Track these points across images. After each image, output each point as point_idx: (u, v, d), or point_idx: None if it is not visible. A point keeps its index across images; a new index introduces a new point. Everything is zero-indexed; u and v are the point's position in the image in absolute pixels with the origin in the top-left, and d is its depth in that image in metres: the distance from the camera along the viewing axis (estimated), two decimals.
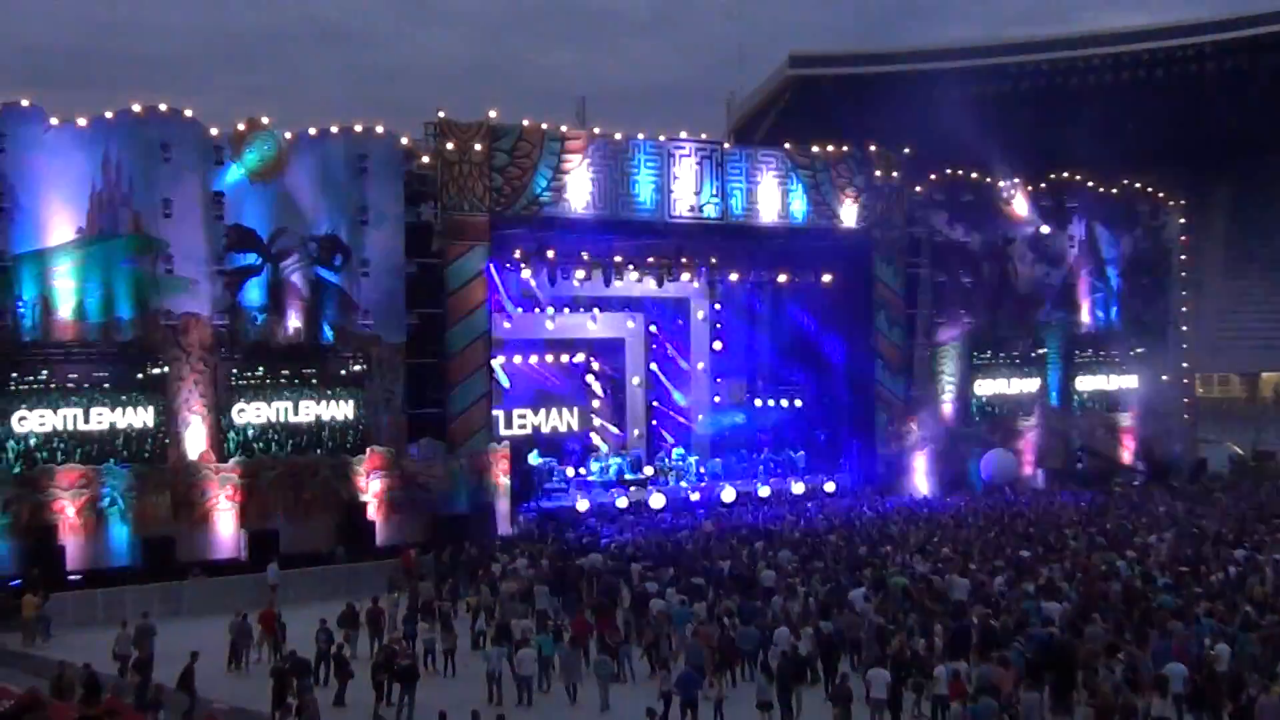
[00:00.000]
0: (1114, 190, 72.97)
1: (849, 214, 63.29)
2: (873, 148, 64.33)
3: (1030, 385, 70.55)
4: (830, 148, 63.25)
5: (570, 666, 34.40)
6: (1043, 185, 70.56)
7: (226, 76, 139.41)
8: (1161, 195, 75.21)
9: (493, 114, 54.98)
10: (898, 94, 72.75)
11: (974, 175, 68.26)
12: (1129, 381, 73.66)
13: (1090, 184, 71.84)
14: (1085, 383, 72.45)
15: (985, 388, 69.02)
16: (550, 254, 58.69)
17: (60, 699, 29.05)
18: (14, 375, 45.95)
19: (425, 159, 53.90)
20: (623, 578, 42.00)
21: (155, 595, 43.16)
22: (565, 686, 34.30)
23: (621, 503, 58.23)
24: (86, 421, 47.06)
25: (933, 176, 66.86)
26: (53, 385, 46.52)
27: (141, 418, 47.91)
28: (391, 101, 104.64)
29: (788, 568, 42.71)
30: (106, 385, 47.28)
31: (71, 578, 44.51)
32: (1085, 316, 72.46)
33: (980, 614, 35.31)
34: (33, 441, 46.18)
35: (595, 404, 68.17)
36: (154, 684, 30.83)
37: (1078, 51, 75.03)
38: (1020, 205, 69.37)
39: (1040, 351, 70.84)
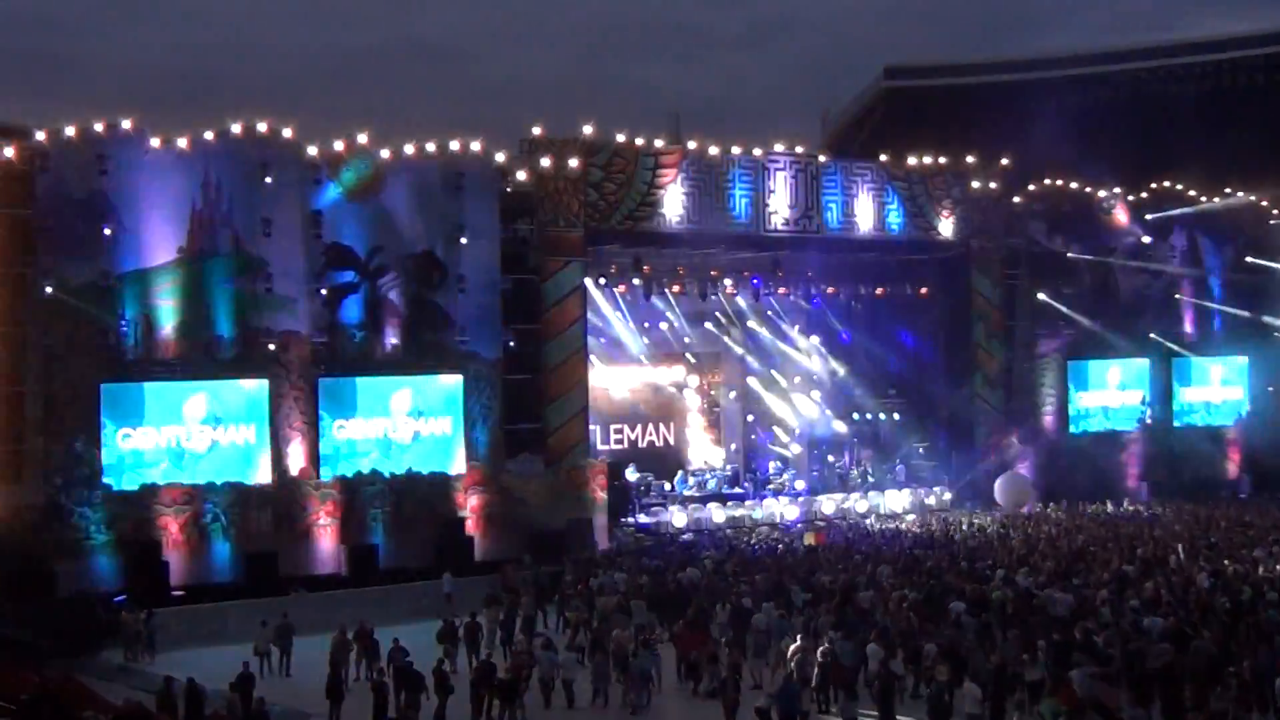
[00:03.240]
0: (1215, 198, 72.04)
1: (946, 226, 62.96)
2: (970, 159, 63.97)
3: (1132, 397, 69.76)
4: (927, 160, 62.94)
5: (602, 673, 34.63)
6: (1143, 194, 69.79)
7: (324, 96, 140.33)
8: (1264, 203, 74.14)
9: (587, 130, 55.15)
10: (994, 105, 72.40)
11: (1073, 185, 67.66)
12: (1233, 392, 72.66)
13: (1191, 192, 70.95)
14: (1188, 394, 71.57)
15: (1085, 400, 68.34)
16: (646, 268, 58.76)
17: (164, 713, 29.33)
18: (118, 394, 46.50)
19: (521, 176, 54.09)
20: (719, 592, 41.85)
21: (257, 611, 43.48)
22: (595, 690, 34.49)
23: (718, 517, 58.07)
24: (188, 439, 47.60)
25: (1031, 187, 66.35)
26: (155, 403, 47.05)
27: (243, 435, 48.42)
28: (488, 119, 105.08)
29: (886, 582, 42.38)
30: (208, 402, 47.77)
31: (175, 594, 44.92)
32: (1188, 327, 71.56)
33: (1083, 629, 34.91)
34: (136, 459, 46.73)
35: (691, 418, 68.03)
36: (257, 698, 31.03)
37: (1177, 59, 74.27)
38: (1120, 215, 68.69)
39: (1142, 362, 70.00)
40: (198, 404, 47.82)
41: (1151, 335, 70.12)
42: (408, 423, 51.45)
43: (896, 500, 62.30)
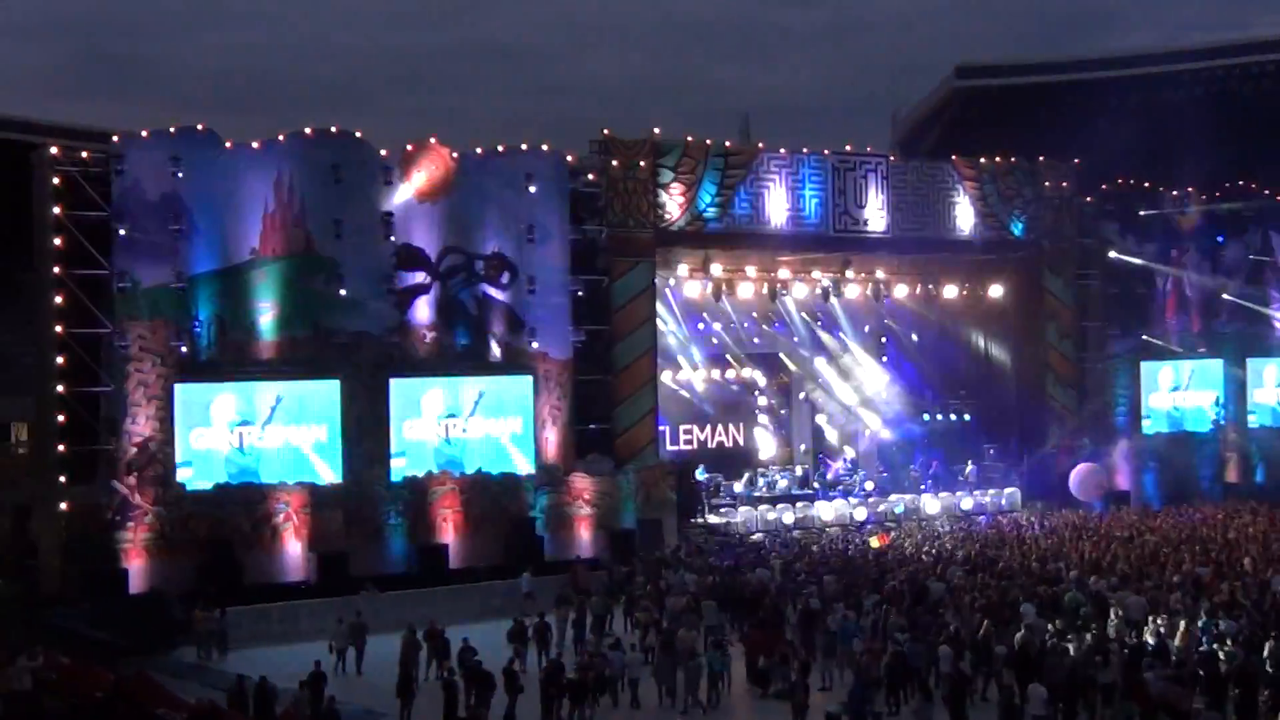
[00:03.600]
0: None
1: (1018, 226, 62.59)
2: (1041, 158, 63.54)
3: (1205, 398, 69.18)
4: (998, 159, 62.58)
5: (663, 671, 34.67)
6: (1217, 193, 69.16)
7: (396, 97, 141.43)
8: None
9: (657, 130, 55.16)
10: (1066, 104, 71.96)
11: (1146, 185, 67.13)
12: None
13: (1265, 191, 70.26)
14: (1264, 395, 70.88)
15: (1158, 400, 67.82)
16: (715, 268, 58.70)
17: (236, 711, 29.55)
18: (190, 393, 46.89)
19: (591, 176, 54.17)
20: (789, 593, 41.78)
21: (330, 610, 43.73)
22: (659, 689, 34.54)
23: (788, 517, 57.95)
24: (261, 439, 47.91)
25: (1103, 187, 65.86)
26: (228, 403, 47.42)
27: (315, 434, 48.68)
28: (559, 119, 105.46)
29: (956, 584, 42.17)
30: (280, 403, 48.09)
31: (246, 592, 45.20)
32: (1263, 326, 70.80)
33: (1157, 632, 34.67)
34: (208, 459, 47.10)
35: (761, 419, 67.92)
36: (328, 697, 31.20)
37: (1251, 58, 73.53)
38: (1194, 214, 68.11)
39: (1215, 363, 69.40)
40: (271, 404, 48.10)
41: (1226, 335, 69.47)
42: (478, 423, 51.59)
43: (967, 501, 61.95)
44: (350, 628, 39.10)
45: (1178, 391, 68.50)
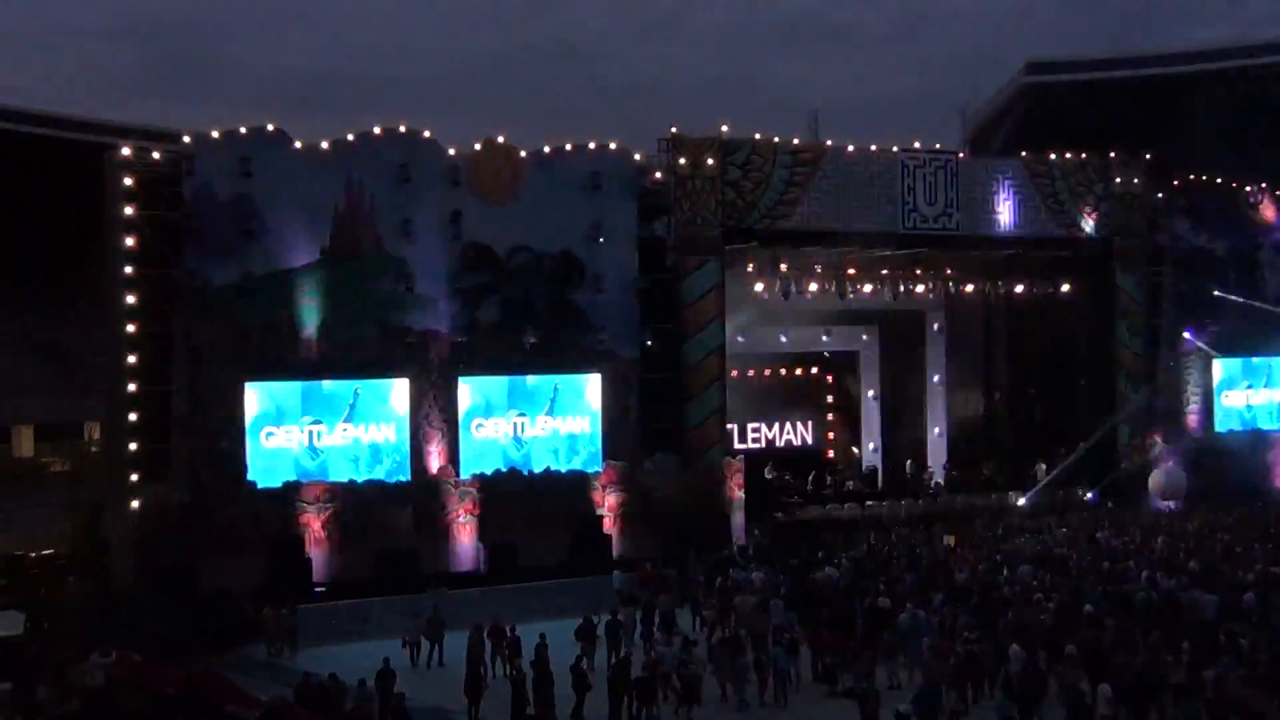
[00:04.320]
0: None
1: (1088, 223, 62.18)
2: (1112, 154, 63.06)
3: (1278, 395, 68.53)
4: (1068, 155, 62.17)
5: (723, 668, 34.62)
6: None
7: (466, 97, 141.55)
8: None
9: (725, 128, 55.08)
10: (1138, 99, 71.45)
11: (1219, 180, 66.55)
12: None
13: None
14: None
15: (1233, 398, 67.25)
16: (784, 267, 58.58)
17: (304, 708, 29.69)
18: (261, 392, 47.23)
19: (658, 175, 54.16)
20: (858, 591, 41.62)
21: (398, 608, 43.91)
22: (721, 686, 34.49)
23: (856, 515, 57.75)
24: (330, 437, 48.19)
25: (1175, 183, 65.31)
26: (298, 402, 47.73)
27: (384, 433, 48.95)
28: (628, 118, 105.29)
29: (1027, 582, 41.92)
30: (349, 401, 48.36)
31: (317, 590, 45.51)
32: None
33: (1229, 631, 34.36)
34: (279, 457, 47.42)
35: (829, 417, 67.77)
36: (396, 694, 31.29)
37: None
38: (1268, 210, 67.52)
39: None
40: (341, 403, 48.40)
41: None
42: (546, 421, 51.73)
43: (1038, 500, 61.56)
44: (428, 622, 39.47)
45: (1251, 389, 67.88)
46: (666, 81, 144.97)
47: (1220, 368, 66.88)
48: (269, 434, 47.40)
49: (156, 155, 47.23)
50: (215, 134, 47.34)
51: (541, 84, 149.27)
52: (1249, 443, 66.90)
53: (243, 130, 47.74)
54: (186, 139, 47.40)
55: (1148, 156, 63.77)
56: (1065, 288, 64.59)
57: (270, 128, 48.14)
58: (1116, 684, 30.21)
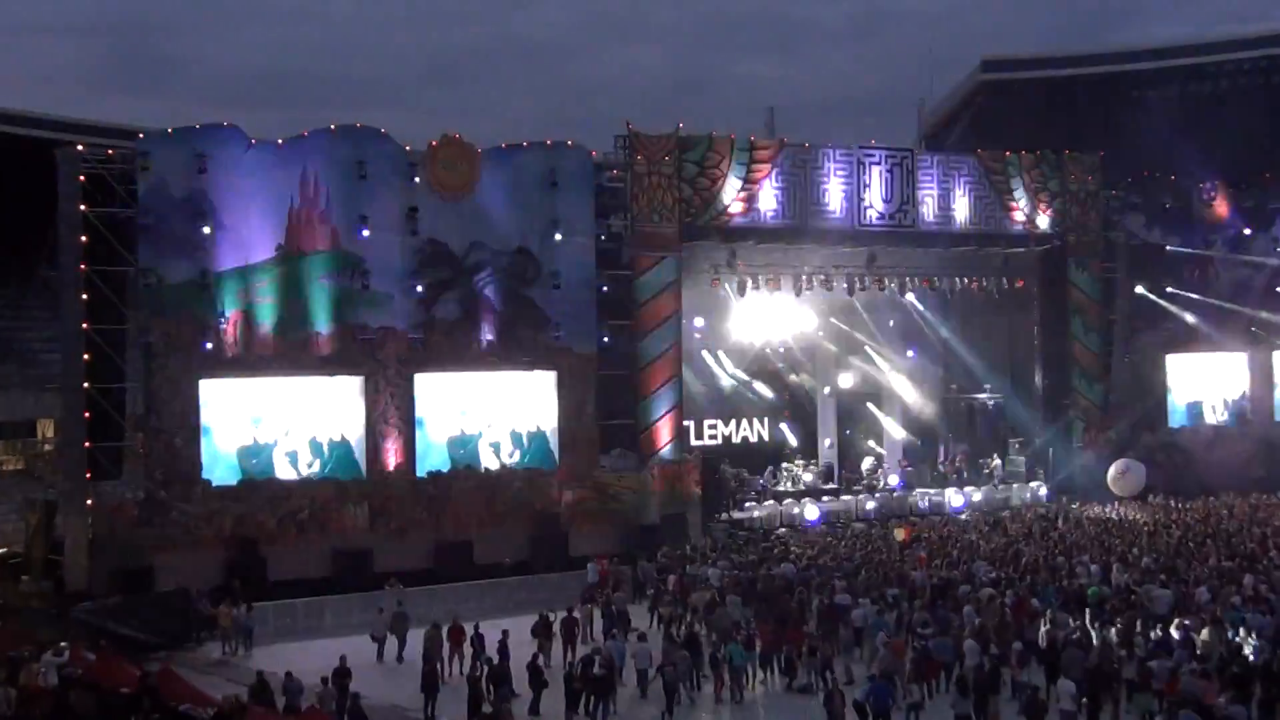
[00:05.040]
0: None
1: (1043, 219, 62.46)
2: (1067, 152, 63.39)
3: (1232, 391, 69.01)
4: (1024, 152, 62.46)
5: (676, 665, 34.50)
6: (1244, 186, 68.96)
7: (423, 94, 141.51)
8: None
9: (681, 125, 55.14)
10: (1093, 96, 71.86)
11: (1172, 177, 66.98)
12: None
13: None
14: None
15: (1185, 394, 67.64)
16: (740, 264, 58.64)
17: (258, 706, 29.61)
18: (216, 389, 47.04)
19: (615, 172, 54.18)
20: (814, 588, 41.72)
21: (354, 606, 43.87)
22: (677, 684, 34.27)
23: (812, 512, 57.88)
24: (286, 434, 48.07)
25: (1129, 179, 65.68)
26: (253, 399, 47.56)
27: (339, 431, 48.80)
28: (587, 116, 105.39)
29: (982, 578, 42.12)
30: (305, 398, 48.23)
31: (271, 589, 45.33)
32: None
33: (1182, 625, 34.58)
34: (234, 455, 47.26)
35: (786, 414, 67.84)
36: (353, 692, 31.23)
37: (1277, 49, 73.26)
38: (1221, 206, 67.97)
39: (1242, 356, 69.23)
40: (295, 400, 48.27)
41: (1253, 329, 69.32)
42: (503, 419, 51.68)
43: (992, 495, 61.85)
44: (393, 617, 39.53)
45: (1204, 385, 68.31)
46: (624, 79, 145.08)
47: (1173, 363, 67.26)
48: (224, 432, 47.21)
49: (110, 152, 47.02)
50: (170, 131, 47.16)
51: (499, 81, 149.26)
52: (1202, 438, 67.27)
53: (198, 127, 47.60)
54: (141, 136, 47.28)
55: (1102, 153, 64.08)
56: (1021, 283, 64.82)
57: (225, 124, 47.96)
58: (1070, 679, 30.41)
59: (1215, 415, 68.74)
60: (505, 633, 35.82)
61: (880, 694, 30.53)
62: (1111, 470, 62.13)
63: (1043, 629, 35.41)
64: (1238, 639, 33.56)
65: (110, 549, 44.46)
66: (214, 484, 46.67)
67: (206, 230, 46.65)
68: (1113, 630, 35.02)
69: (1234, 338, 68.84)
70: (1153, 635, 34.20)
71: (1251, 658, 31.76)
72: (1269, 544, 46.82)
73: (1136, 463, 62.51)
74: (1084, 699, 30.11)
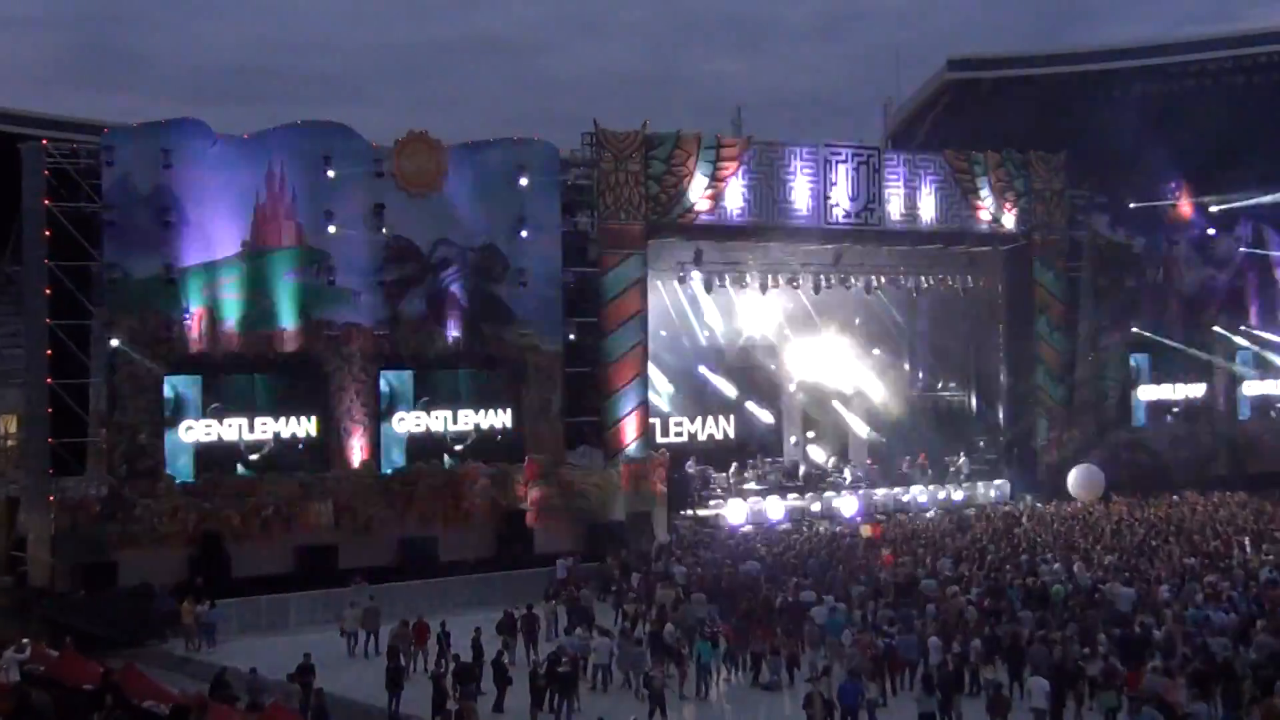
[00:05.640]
0: None
1: (1009, 218, 62.65)
2: (1033, 151, 63.59)
3: (1196, 390, 69.40)
4: (989, 151, 62.63)
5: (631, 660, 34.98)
6: (1208, 186, 69.29)
7: (390, 90, 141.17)
8: None
9: (648, 123, 55.14)
10: (1058, 96, 71.87)
11: (1137, 177, 67.25)
12: None
13: (1256, 184, 70.38)
14: (1252, 387, 71.11)
15: (1150, 392, 68.01)
16: (707, 261, 58.69)
17: (222, 703, 29.56)
18: (180, 385, 46.89)
19: (582, 169, 54.17)
20: (779, 585, 41.80)
21: (318, 602, 43.83)
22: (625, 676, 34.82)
23: (777, 510, 57.91)
24: (251, 431, 47.94)
25: (1095, 179, 65.94)
26: (218, 395, 47.42)
27: (304, 427, 48.75)
28: (554, 113, 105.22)
29: (947, 575, 42.27)
30: (270, 395, 48.13)
31: (235, 585, 45.22)
32: (1253, 319, 71.11)
33: (1144, 623, 34.75)
34: (199, 450, 47.11)
35: (752, 411, 67.81)
36: (316, 689, 31.22)
37: (1244, 50, 73.39)
38: (1185, 206, 68.33)
39: (1206, 356, 69.61)
40: (260, 396, 48.15)
41: (1216, 327, 69.73)
42: (469, 415, 51.64)
43: (957, 493, 62.04)
44: (364, 612, 39.57)
45: (1168, 383, 68.65)
46: (591, 76, 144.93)
47: (1138, 362, 67.61)
48: (188, 428, 47.10)
49: (75, 147, 46.80)
50: (135, 125, 47.01)
51: (466, 77, 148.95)
52: (1166, 436, 67.59)
53: (163, 122, 47.48)
54: (106, 130, 47.08)
55: (1067, 153, 64.30)
56: (986, 282, 65.02)
57: (191, 119, 47.80)
58: (1041, 676, 30.61)
59: (1179, 414, 68.94)
60: (478, 630, 35.89)
61: (847, 692, 30.65)
62: (1072, 477, 62.20)
63: (1006, 626, 35.52)
64: (1200, 637, 33.68)
65: (73, 545, 44.31)
66: (178, 480, 46.50)
67: (171, 226, 46.45)
68: (1075, 628, 35.13)
69: (1198, 337, 69.20)
70: (1114, 632, 34.30)
71: (1214, 655, 31.90)
72: (1231, 542, 47.10)
73: (1096, 469, 62.61)
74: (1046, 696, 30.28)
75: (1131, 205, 67.04)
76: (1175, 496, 61.03)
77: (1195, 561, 43.16)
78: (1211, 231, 69.38)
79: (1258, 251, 71.12)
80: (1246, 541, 47.18)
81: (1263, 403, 71.48)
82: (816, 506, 58.77)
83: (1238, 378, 70.89)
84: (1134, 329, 67.27)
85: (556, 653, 34.22)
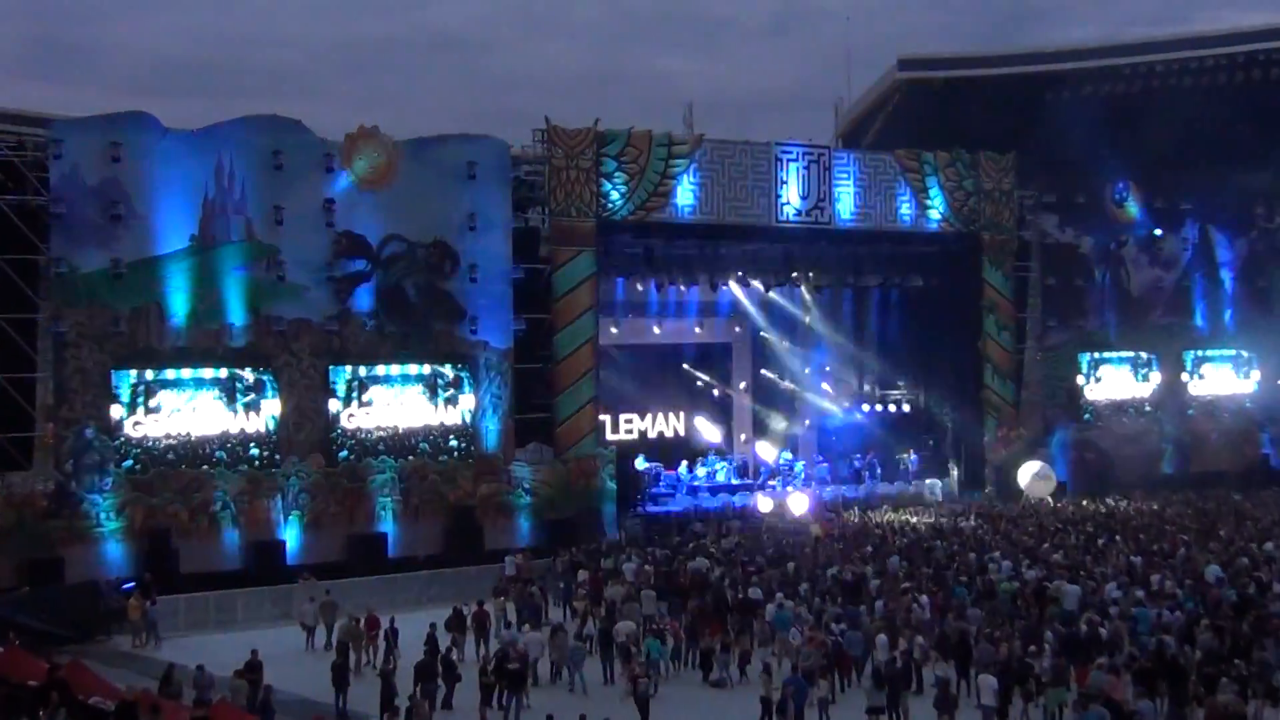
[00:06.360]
0: (1228, 191, 72.06)
1: (958, 218, 62.89)
2: (982, 151, 63.86)
3: (1143, 390, 69.84)
4: (939, 151, 62.87)
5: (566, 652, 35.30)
6: (1155, 187, 69.80)
7: (340, 85, 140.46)
8: (1277, 195, 74.06)
9: (599, 120, 55.14)
10: (1008, 97, 72.18)
11: (1085, 177, 67.66)
12: (1244, 386, 72.82)
13: (1204, 186, 70.99)
14: (1199, 387, 71.66)
15: (1096, 392, 68.40)
16: (657, 259, 58.75)
17: (169, 699, 29.45)
18: (128, 380, 46.63)
19: (533, 165, 54.12)
20: (729, 582, 41.86)
21: (266, 598, 43.70)
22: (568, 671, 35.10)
23: (727, 507, 58.03)
24: (199, 426, 47.66)
25: (1043, 179, 66.29)
26: (166, 390, 47.17)
27: (253, 422, 48.47)
28: (506, 109, 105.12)
29: (895, 573, 42.44)
30: (218, 390, 47.89)
31: (183, 581, 45.03)
32: (1199, 320, 71.71)
33: (1091, 621, 34.97)
34: (146, 446, 46.84)
35: (701, 409, 67.96)
36: (265, 685, 31.15)
37: (1191, 52, 73.81)
38: (1132, 207, 68.80)
39: (1153, 355, 70.11)
40: (209, 391, 47.91)
41: (1163, 327, 70.26)
42: (418, 411, 51.48)
43: (906, 492, 62.27)
44: (321, 607, 39.57)
45: (1115, 383, 69.08)
46: (543, 73, 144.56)
47: (1085, 362, 68.04)
48: (136, 423, 46.79)
49: (22, 139, 46.45)
50: (84, 118, 46.69)
51: (417, 73, 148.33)
52: (1113, 435, 68.03)
53: (112, 114, 47.13)
54: (53, 123, 46.68)
55: (1016, 153, 64.61)
56: (935, 281, 65.31)
57: (140, 113, 47.48)
58: (988, 673, 30.79)
59: (1126, 413, 69.38)
60: (433, 625, 35.88)
61: (797, 690, 30.75)
62: (1023, 473, 62.49)
63: (953, 623, 35.69)
64: (1149, 634, 33.91)
65: (19, 540, 43.92)
66: (125, 476, 46.22)
67: (120, 219, 46.16)
68: (1022, 625, 35.32)
69: (1145, 337, 69.74)
70: (1061, 630, 34.51)
71: (1160, 653, 32.13)
72: (1177, 541, 47.42)
73: (1047, 466, 62.97)
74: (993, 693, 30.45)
75: (1079, 205, 67.51)
76: (1122, 495, 61.43)
77: (1140, 560, 43.45)
78: (1158, 231, 69.87)
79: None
80: (1190, 540, 47.51)
81: (1209, 402, 71.95)
82: (766, 504, 58.85)
83: (1184, 378, 71.39)
84: (1081, 328, 67.66)
85: (504, 649, 34.25)
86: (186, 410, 47.62)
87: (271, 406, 48.79)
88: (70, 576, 43.55)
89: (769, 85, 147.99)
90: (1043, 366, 66.70)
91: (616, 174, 55.06)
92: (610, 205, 54.97)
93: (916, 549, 46.97)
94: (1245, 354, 72.86)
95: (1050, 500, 60.71)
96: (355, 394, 50.41)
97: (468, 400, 52.19)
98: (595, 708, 31.14)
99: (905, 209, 61.75)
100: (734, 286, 62.56)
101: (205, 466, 47.48)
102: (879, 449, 66.19)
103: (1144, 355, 70.00)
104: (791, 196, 58.93)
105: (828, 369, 68.87)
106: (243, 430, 48.31)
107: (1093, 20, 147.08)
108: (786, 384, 68.24)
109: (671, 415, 67.26)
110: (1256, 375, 73.26)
